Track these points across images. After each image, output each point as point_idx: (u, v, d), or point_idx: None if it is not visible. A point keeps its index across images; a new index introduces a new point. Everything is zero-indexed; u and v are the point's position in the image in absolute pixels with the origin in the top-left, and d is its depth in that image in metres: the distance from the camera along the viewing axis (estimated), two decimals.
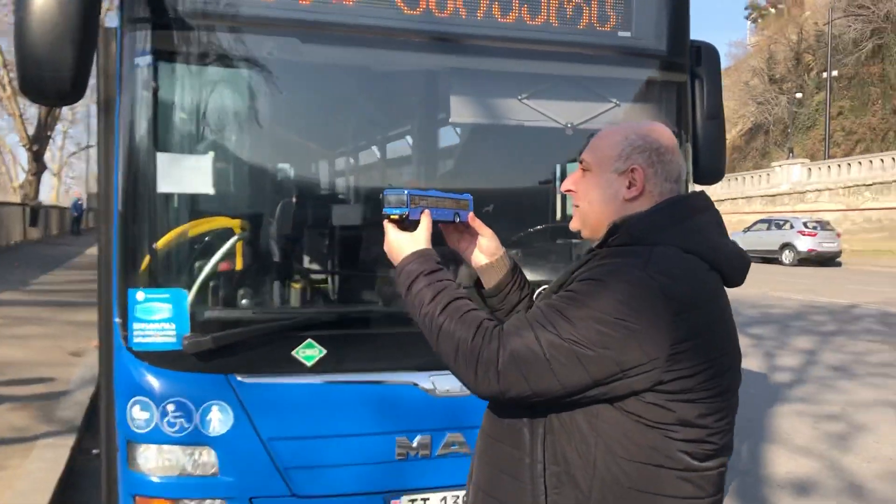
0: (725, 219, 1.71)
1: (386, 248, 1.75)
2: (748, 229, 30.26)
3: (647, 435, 1.51)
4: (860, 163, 35.21)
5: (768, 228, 29.12)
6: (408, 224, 1.72)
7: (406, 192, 1.70)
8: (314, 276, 3.39)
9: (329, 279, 3.45)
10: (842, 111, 45.80)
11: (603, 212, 1.67)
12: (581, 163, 1.72)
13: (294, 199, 3.39)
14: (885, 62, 44.16)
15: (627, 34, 3.38)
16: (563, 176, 4.87)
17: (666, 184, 1.65)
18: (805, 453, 5.80)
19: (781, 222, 28.89)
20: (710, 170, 3.62)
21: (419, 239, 1.71)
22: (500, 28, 3.14)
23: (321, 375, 2.93)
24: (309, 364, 2.91)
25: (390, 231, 1.73)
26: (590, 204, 1.69)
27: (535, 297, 1.81)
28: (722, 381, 1.55)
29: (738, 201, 41.41)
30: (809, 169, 37.94)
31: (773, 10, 65.14)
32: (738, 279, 1.63)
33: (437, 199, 1.77)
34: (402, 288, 1.67)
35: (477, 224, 1.90)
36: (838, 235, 27.78)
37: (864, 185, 33.89)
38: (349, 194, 4.01)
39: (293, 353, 2.90)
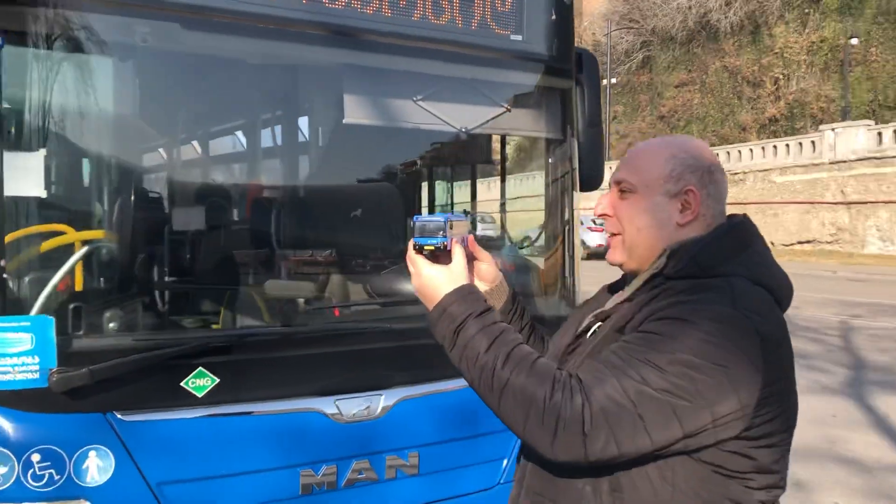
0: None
1: (417, 285, 1.49)
2: None
3: (727, 487, 1.38)
4: None
5: None
6: (440, 256, 1.47)
7: (445, 217, 1.45)
8: (203, 294, 3.01)
9: (220, 296, 3.08)
10: (616, 116, 49.58)
11: (655, 239, 1.49)
12: (619, 184, 1.54)
13: (180, 205, 2.99)
14: (653, 72, 48.37)
15: (519, 38, 3.31)
16: (431, 179, 4.77)
17: (717, 206, 1.53)
18: None
19: None
20: (592, 177, 3.63)
21: (458, 273, 1.46)
22: (396, 25, 2.95)
23: (214, 407, 2.58)
24: (200, 395, 2.56)
25: (423, 266, 1.47)
26: (638, 231, 1.50)
27: (588, 334, 1.60)
28: (792, 421, 1.46)
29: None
30: None
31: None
32: (786, 308, 1.56)
33: (458, 222, 1.54)
34: (445, 333, 1.42)
35: (476, 248, 1.68)
36: None
37: None
38: (244, 196, 3.62)
39: (182, 383, 2.53)
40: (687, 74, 46.24)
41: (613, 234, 1.54)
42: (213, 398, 2.57)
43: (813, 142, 30.63)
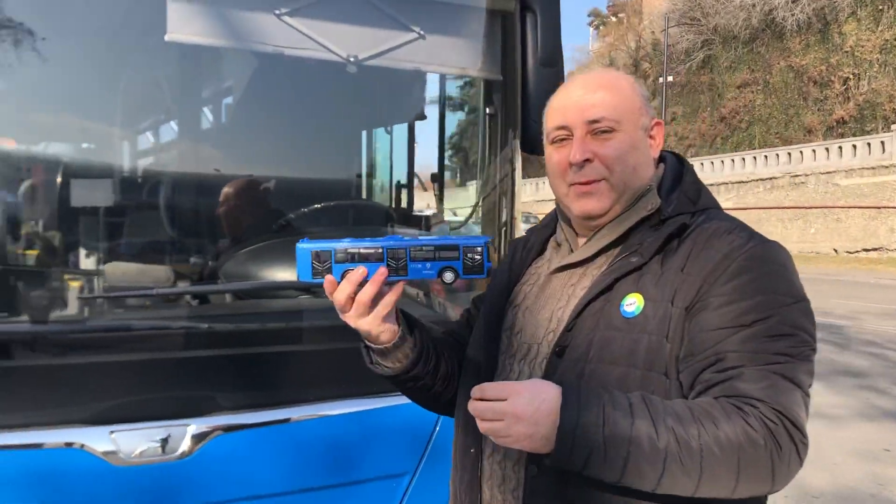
0: None
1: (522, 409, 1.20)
2: None
3: None
4: (702, 164, 36.68)
5: None
6: None
7: None
8: None
9: None
10: (675, 117, 47.93)
11: (645, 178, 1.41)
12: (595, 123, 1.37)
13: None
14: (714, 72, 46.58)
15: None
16: (370, 142, 3.88)
17: None
18: None
19: None
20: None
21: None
22: None
23: None
24: None
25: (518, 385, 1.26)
26: (634, 170, 1.39)
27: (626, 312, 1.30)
28: None
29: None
30: None
31: (614, 18, 67.67)
32: None
33: None
34: (592, 447, 1.16)
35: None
36: None
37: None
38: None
39: None
40: (749, 74, 44.32)
41: (593, 182, 1.37)
42: None
43: (882, 142, 28.68)
